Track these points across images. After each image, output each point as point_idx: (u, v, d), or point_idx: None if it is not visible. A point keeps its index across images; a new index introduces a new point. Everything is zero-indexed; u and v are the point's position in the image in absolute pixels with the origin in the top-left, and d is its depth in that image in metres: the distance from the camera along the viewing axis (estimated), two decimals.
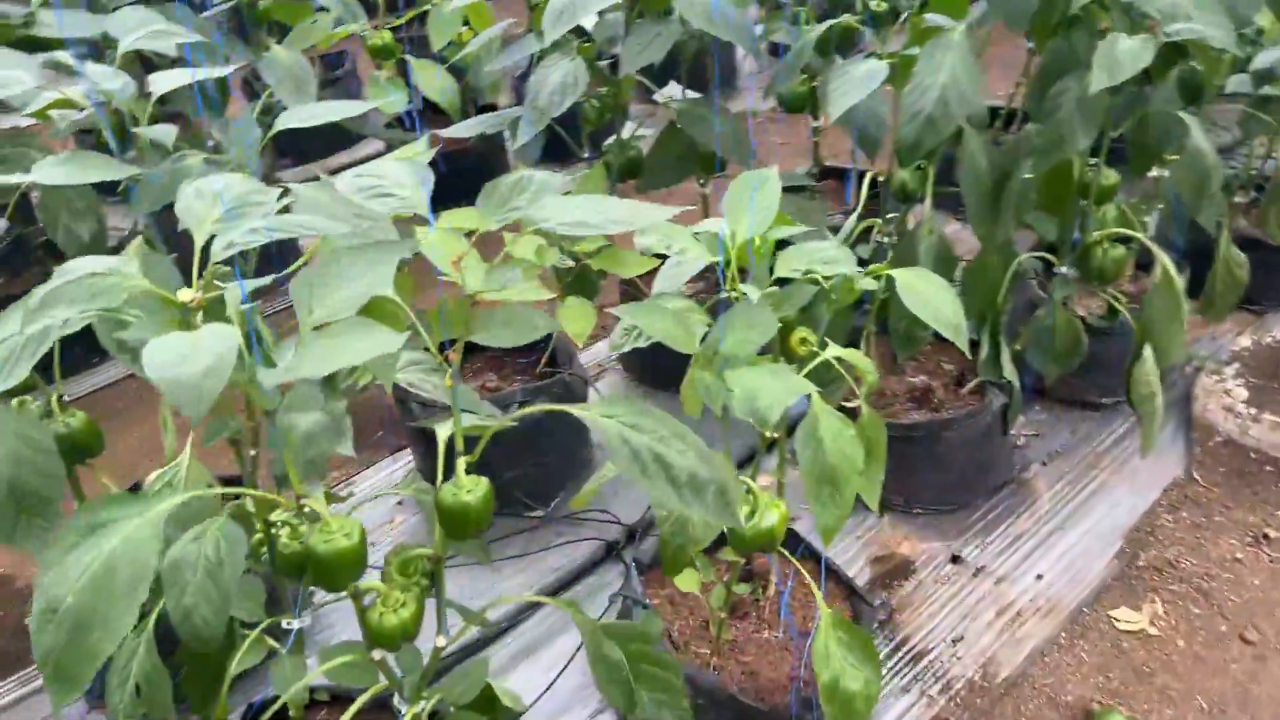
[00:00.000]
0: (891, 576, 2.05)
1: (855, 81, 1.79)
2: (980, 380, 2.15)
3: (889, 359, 2.25)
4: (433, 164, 3.38)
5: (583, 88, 2.03)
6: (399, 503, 2.33)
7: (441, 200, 3.56)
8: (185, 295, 0.96)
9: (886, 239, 2.11)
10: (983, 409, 2.10)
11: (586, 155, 2.36)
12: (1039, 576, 2.02)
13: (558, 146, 2.41)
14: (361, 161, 2.32)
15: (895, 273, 1.56)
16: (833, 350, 1.43)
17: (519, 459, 2.22)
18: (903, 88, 1.80)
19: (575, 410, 1.09)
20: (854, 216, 1.95)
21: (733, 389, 1.20)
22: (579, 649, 1.93)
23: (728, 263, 1.30)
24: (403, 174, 1.10)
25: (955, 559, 2.07)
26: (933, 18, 1.84)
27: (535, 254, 2.05)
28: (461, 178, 3.49)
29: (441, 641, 1.21)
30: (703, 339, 1.33)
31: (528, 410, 1.12)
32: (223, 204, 1.00)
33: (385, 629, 1.12)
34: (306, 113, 1.74)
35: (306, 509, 1.04)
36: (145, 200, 1.65)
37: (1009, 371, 2.08)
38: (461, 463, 1.09)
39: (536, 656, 1.91)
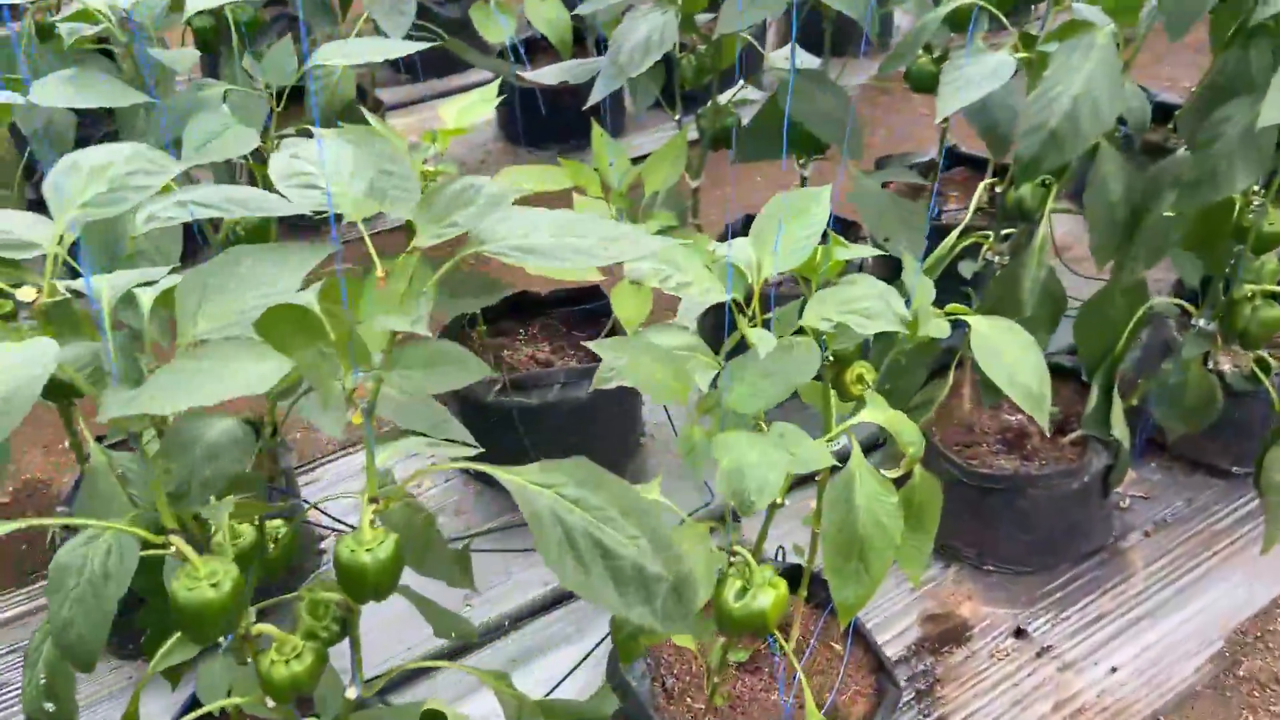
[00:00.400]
0: (942, 640, 1.81)
1: (973, 77, 1.51)
2: (1085, 432, 1.87)
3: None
4: (531, 104, 3.17)
5: (669, 45, 1.80)
6: (432, 460, 2.19)
7: (546, 139, 3.36)
8: (26, 294, 0.81)
9: (997, 258, 1.83)
10: (1079, 468, 1.82)
11: (679, 116, 2.13)
12: (1113, 669, 1.75)
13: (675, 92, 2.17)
14: (475, 85, 2.17)
15: (972, 320, 1.31)
16: (872, 412, 1.19)
17: (562, 438, 2.06)
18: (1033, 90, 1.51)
19: (502, 475, 0.90)
20: (956, 231, 1.68)
21: (719, 459, 0.99)
22: (579, 663, 1.77)
23: (746, 300, 1.08)
24: (343, 161, 0.91)
25: (1020, 632, 1.82)
26: (1083, 9, 1.54)
27: None
28: (566, 116, 3.29)
29: (353, 694, 1.06)
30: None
31: (444, 466, 0.94)
32: (103, 183, 0.84)
33: (274, 680, 0.97)
34: (342, 49, 1.58)
35: (181, 543, 0.89)
36: (157, 131, 1.52)
37: (1119, 431, 1.79)
38: (368, 512, 0.92)
39: (529, 667, 1.76)
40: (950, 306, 1.35)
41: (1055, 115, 1.41)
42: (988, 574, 1.92)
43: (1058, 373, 2.06)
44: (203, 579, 0.87)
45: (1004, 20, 1.65)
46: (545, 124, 3.18)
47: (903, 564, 1.42)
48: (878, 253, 1.34)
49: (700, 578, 1.05)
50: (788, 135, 2.04)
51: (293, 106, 3.06)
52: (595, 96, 1.88)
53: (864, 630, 1.58)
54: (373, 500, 0.94)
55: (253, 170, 1.74)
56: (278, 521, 1.30)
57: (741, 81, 2.27)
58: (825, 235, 1.25)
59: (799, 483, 2.01)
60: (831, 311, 1.07)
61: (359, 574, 0.90)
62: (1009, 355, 1.27)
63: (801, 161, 2.12)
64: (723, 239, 2.45)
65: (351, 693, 1.06)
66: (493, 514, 2.10)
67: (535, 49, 3.22)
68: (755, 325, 1.06)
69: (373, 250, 0.89)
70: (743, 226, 2.50)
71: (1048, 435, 1.52)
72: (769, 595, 1.14)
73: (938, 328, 1.30)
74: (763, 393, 1.07)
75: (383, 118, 3.10)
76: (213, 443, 0.98)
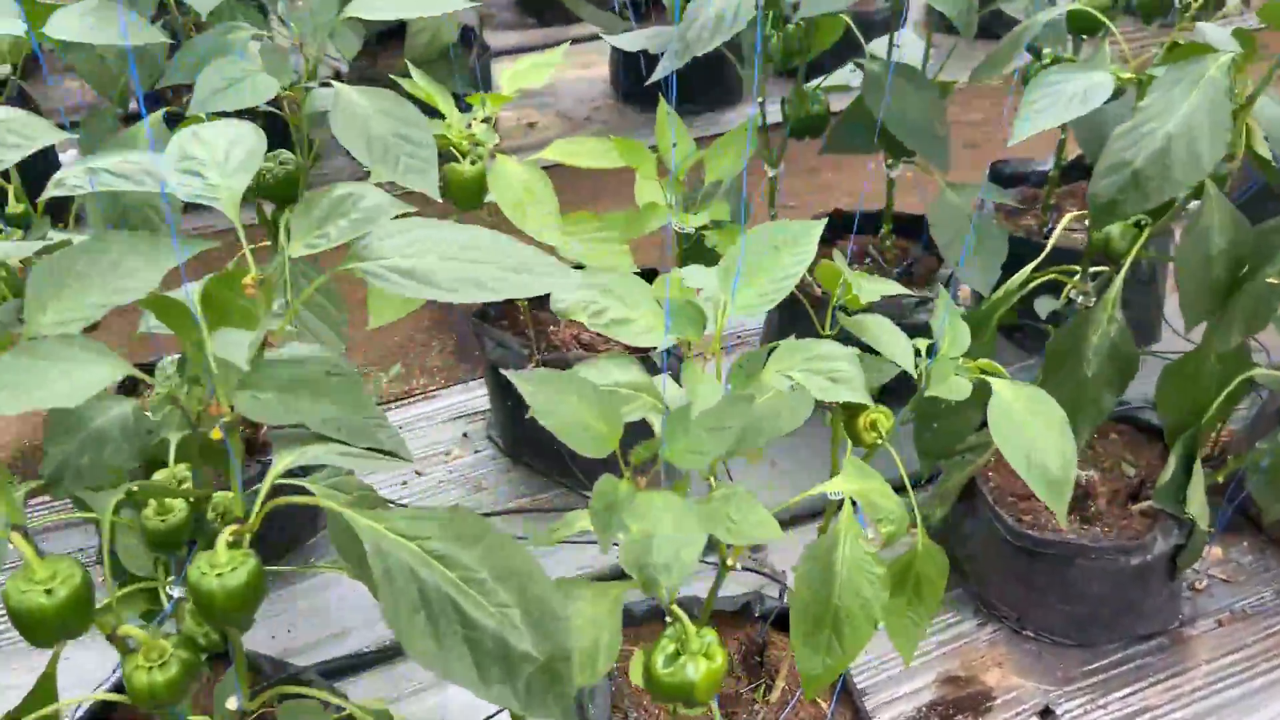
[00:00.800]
0: (958, 708, 1.65)
1: (1062, 98, 1.32)
2: (1155, 505, 1.66)
3: None
4: (633, 65, 3.03)
5: (742, 24, 1.64)
6: (465, 435, 2.14)
7: (655, 100, 3.20)
8: None
9: (1081, 298, 1.62)
10: (1140, 545, 1.61)
11: (761, 99, 1.97)
12: None
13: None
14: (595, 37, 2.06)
15: (995, 383, 1.14)
16: (845, 480, 1.05)
17: None
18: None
19: (360, 521, 0.81)
20: (1031, 266, 1.49)
21: (629, 523, 0.87)
22: None
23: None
24: (236, 150, 0.82)
25: (1046, 713, 1.64)
26: (1206, 30, 1.32)
27: (633, 220, 1.73)
28: (678, 77, 3.15)
29: (233, 704, 1.00)
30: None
31: (296, 500, 0.85)
32: None
33: (135, 686, 0.92)
34: (380, 2, 1.49)
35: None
36: (179, 72, 1.47)
37: (1196, 509, 1.58)
38: (225, 534, 0.85)
39: None
40: (980, 362, 1.19)
41: (1143, 154, 1.22)
42: (1025, 640, 1.74)
43: (1142, 429, 1.85)
44: (38, 583, 0.82)
45: (1112, 29, 1.43)
46: (654, 85, 3.05)
47: (894, 639, 1.28)
48: (901, 290, 1.18)
49: (604, 648, 0.94)
50: (880, 133, 1.87)
51: (392, 44, 3.02)
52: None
53: (853, 691, 1.44)
54: (236, 519, 0.86)
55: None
56: (229, 494, 1.25)
57: (852, 66, 2.09)
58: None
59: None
60: (795, 368, 0.93)
61: (205, 599, 0.83)
62: (1031, 429, 1.11)
63: (890, 163, 1.94)
64: None
65: (232, 703, 1.00)
66: (520, 493, 2.03)
67: (652, 4, 3.08)
68: (704, 371, 0.93)
69: (249, 254, 0.80)
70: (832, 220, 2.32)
71: (1064, 527, 1.32)
72: (700, 666, 1.02)
73: (955, 388, 1.14)
74: (709, 448, 0.94)
75: (488, 63, 3.03)
76: (99, 429, 0.92)
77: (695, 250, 1.81)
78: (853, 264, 2.24)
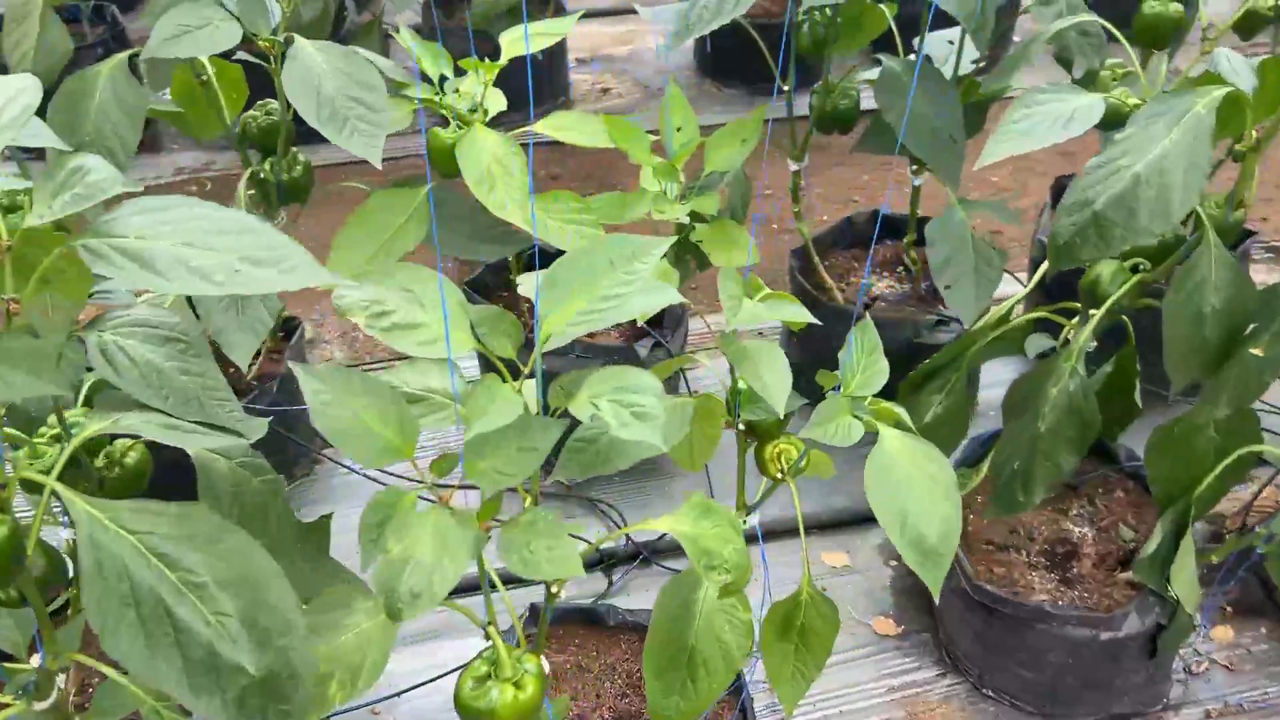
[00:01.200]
0: None
1: (1046, 120, 1.18)
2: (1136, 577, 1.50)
3: None
4: (718, 37, 2.91)
5: (746, 6, 1.54)
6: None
7: (735, 76, 3.08)
8: None
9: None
10: (1109, 619, 1.46)
11: (787, 87, 1.86)
12: None
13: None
14: None
15: (884, 430, 1.03)
16: (673, 519, 0.96)
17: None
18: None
19: (79, 504, 0.77)
20: (1010, 302, 1.35)
21: (390, 544, 0.81)
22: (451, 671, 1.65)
23: (520, 364, 0.88)
24: (12, 105, 0.79)
25: None
26: (1222, 59, 1.15)
27: (615, 205, 1.66)
28: (759, 53, 3.02)
29: (35, 662, 1.00)
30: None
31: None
32: None
33: None
34: None
35: None
36: (151, 15, 1.46)
37: (1182, 588, 1.42)
38: None
39: (421, 648, 1.67)
40: (883, 405, 1.07)
41: (1105, 194, 1.07)
42: (984, 699, 1.61)
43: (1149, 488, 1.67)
44: None
45: (1128, 46, 1.27)
46: (736, 60, 2.93)
47: (777, 688, 1.20)
48: (807, 318, 1.08)
49: (369, 667, 0.89)
50: (893, 135, 1.73)
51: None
52: (661, 54, 1.66)
53: None
54: None
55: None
56: (128, 441, 1.25)
57: (912, 59, 1.95)
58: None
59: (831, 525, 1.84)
60: (602, 396, 0.85)
61: None
62: (914, 489, 0.99)
63: (913, 168, 1.80)
64: (840, 235, 2.16)
65: (35, 660, 1.00)
66: None
67: None
68: (499, 386, 0.86)
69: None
70: (871, 221, 2.20)
71: (937, 601, 1.17)
72: (506, 695, 0.96)
73: (840, 430, 1.03)
74: (515, 468, 0.87)
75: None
76: None
77: (683, 246, 1.73)
78: (882, 272, 2.11)
